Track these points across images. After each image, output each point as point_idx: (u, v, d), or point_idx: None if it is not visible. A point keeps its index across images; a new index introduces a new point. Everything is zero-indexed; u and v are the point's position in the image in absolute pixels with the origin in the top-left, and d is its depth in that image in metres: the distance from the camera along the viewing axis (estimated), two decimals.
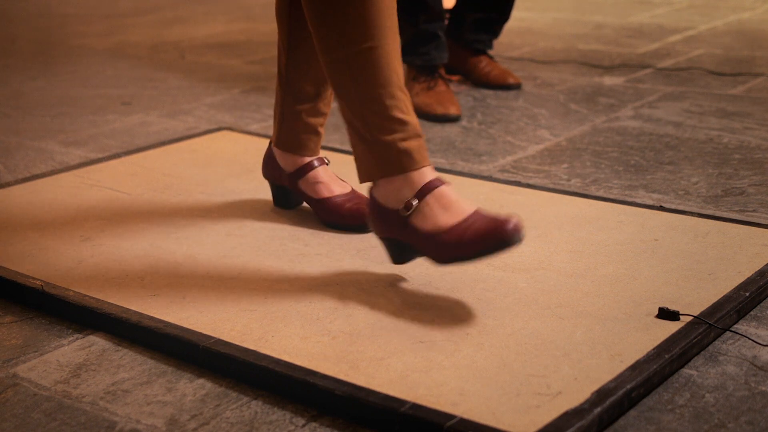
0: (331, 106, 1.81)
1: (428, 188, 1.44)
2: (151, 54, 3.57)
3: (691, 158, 2.20)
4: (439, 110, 2.57)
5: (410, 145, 1.45)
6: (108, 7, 4.74)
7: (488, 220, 1.38)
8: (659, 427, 1.18)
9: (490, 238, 1.36)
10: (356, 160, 1.51)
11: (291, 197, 1.83)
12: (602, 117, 2.56)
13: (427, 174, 1.46)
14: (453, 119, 2.56)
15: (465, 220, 1.41)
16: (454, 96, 2.66)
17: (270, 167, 1.84)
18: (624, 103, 2.70)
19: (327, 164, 1.80)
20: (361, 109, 1.46)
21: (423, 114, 2.60)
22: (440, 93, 2.63)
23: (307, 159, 1.79)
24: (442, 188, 1.44)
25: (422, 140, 1.47)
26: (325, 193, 1.76)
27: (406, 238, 1.47)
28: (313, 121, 1.77)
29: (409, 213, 1.44)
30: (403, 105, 1.47)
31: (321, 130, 1.79)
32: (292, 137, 1.78)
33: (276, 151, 1.81)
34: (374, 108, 1.45)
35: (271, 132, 2.44)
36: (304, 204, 1.84)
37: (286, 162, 1.80)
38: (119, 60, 3.47)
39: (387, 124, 1.45)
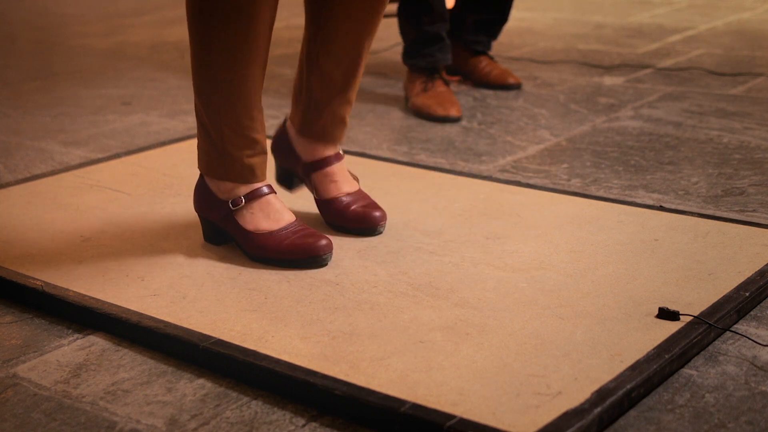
0: (356, 94, 1.78)
1: (257, 194, 1.62)
2: (151, 54, 3.57)
3: (691, 158, 2.20)
4: (440, 111, 2.57)
5: (254, 161, 1.61)
6: (108, 7, 4.74)
7: (305, 237, 1.58)
8: (659, 427, 1.18)
9: (305, 252, 1.57)
10: (199, 150, 1.64)
11: (294, 180, 1.81)
12: (602, 117, 2.56)
13: (260, 185, 1.63)
14: (453, 120, 2.55)
15: (282, 229, 1.60)
16: (454, 96, 2.66)
17: (282, 148, 1.80)
18: (624, 103, 2.70)
19: (343, 159, 1.76)
20: (219, 122, 1.59)
21: (423, 115, 2.60)
22: (440, 94, 2.63)
23: (327, 152, 1.75)
24: (269, 197, 1.62)
25: (266, 156, 1.63)
26: (333, 193, 1.74)
27: (224, 226, 1.64)
28: (341, 110, 1.73)
29: (235, 209, 1.61)
30: (258, 124, 1.61)
31: (347, 119, 1.74)
32: (318, 126, 1.73)
33: (296, 138, 1.77)
34: (232, 124, 1.59)
35: (270, 132, 2.44)
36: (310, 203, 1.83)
37: (305, 150, 1.76)
38: (119, 60, 3.47)
39: (240, 140, 1.60)
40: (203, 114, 1.60)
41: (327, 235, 1.61)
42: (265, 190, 1.63)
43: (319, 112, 1.73)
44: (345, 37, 1.68)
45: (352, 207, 1.72)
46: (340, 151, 1.77)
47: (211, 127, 1.60)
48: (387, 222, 1.74)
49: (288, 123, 1.80)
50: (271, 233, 1.59)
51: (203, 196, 1.66)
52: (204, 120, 1.61)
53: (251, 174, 1.62)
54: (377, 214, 1.71)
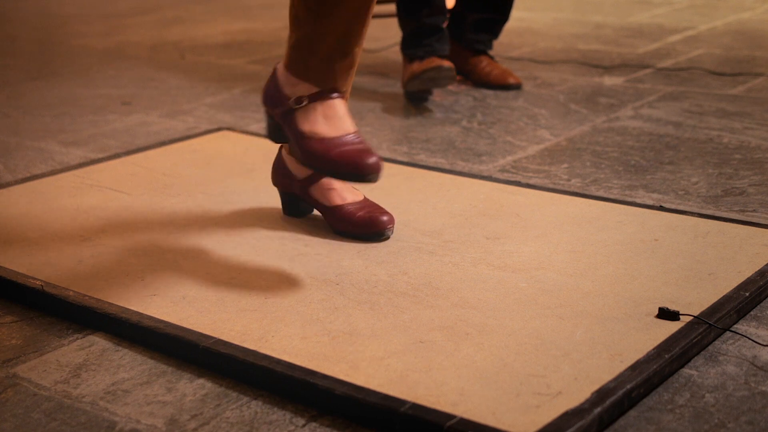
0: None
1: (321, 95, 1.56)
2: (151, 54, 3.57)
3: (691, 158, 2.20)
4: (431, 68, 2.61)
5: (339, 67, 1.56)
6: (108, 7, 4.74)
7: (355, 150, 1.52)
8: (659, 427, 1.18)
9: (349, 166, 1.51)
10: (290, 47, 1.58)
11: (300, 205, 1.80)
12: (602, 117, 2.56)
13: (332, 89, 1.58)
14: (447, 71, 2.59)
15: (338, 137, 1.54)
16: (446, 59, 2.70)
17: (280, 174, 1.80)
18: (624, 103, 2.70)
19: None
20: (319, 23, 1.53)
21: (417, 77, 2.63)
22: (432, 59, 2.66)
23: None
24: (334, 100, 1.57)
25: (354, 68, 1.58)
26: (338, 201, 1.72)
27: (283, 123, 1.60)
28: None
29: (296, 108, 1.57)
30: (361, 38, 1.56)
31: None
32: None
33: (287, 158, 1.79)
34: (331, 30, 1.52)
35: None
36: (315, 211, 1.82)
37: (298, 168, 1.76)
38: (119, 60, 3.47)
39: (334, 46, 1.54)
40: (301, 9, 1.55)
41: (377, 155, 1.54)
42: (334, 94, 1.57)
43: None
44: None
45: (359, 213, 1.71)
46: None
47: (307, 25, 1.55)
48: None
49: (282, 150, 1.80)
50: (323, 139, 1.55)
51: (271, 90, 1.62)
52: (301, 16, 1.55)
53: (332, 79, 1.57)
54: (384, 218, 1.69)
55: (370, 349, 1.32)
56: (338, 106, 1.57)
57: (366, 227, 1.69)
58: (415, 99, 2.74)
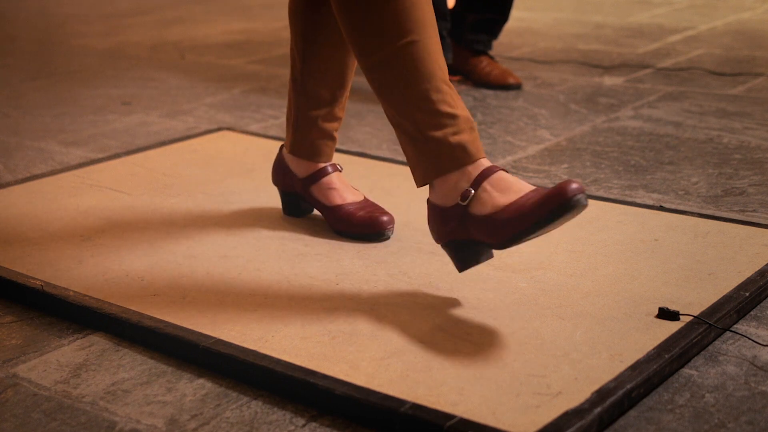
0: (346, 109, 1.78)
1: (484, 175, 1.39)
2: (151, 54, 3.57)
3: (691, 158, 2.20)
4: None
5: (463, 138, 1.40)
6: (108, 7, 4.74)
7: (548, 190, 1.32)
8: (659, 427, 1.18)
9: (550, 202, 1.29)
10: (410, 163, 1.45)
11: (301, 205, 1.80)
12: (602, 117, 2.56)
13: (483, 164, 1.41)
14: None
15: (524, 196, 1.35)
16: None
17: (281, 174, 1.81)
18: (624, 103, 2.70)
19: (340, 171, 1.77)
20: (408, 108, 1.41)
21: None
22: None
23: (321, 165, 1.76)
24: (500, 173, 1.39)
25: (475, 132, 1.42)
26: (338, 201, 1.73)
27: (466, 234, 1.41)
28: (328, 126, 1.74)
29: (466, 203, 1.39)
30: (450, 98, 1.41)
31: (336, 135, 1.76)
32: (306, 143, 1.75)
33: (288, 157, 1.79)
34: (421, 105, 1.40)
35: (270, 132, 2.45)
36: (315, 211, 1.83)
37: (299, 167, 1.77)
38: (119, 60, 3.47)
39: (436, 119, 1.40)
40: (392, 111, 1.44)
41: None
42: (490, 168, 1.39)
43: (308, 129, 1.74)
44: (328, 59, 1.70)
45: (359, 213, 1.71)
46: (337, 165, 1.78)
47: (405, 121, 1.42)
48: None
49: (283, 149, 1.81)
50: (509, 204, 1.35)
51: (437, 219, 1.44)
52: (395, 117, 1.44)
53: (464, 153, 1.39)
54: (384, 218, 1.69)
55: (370, 349, 1.32)
56: (505, 176, 1.39)
57: (366, 227, 1.69)
58: None
